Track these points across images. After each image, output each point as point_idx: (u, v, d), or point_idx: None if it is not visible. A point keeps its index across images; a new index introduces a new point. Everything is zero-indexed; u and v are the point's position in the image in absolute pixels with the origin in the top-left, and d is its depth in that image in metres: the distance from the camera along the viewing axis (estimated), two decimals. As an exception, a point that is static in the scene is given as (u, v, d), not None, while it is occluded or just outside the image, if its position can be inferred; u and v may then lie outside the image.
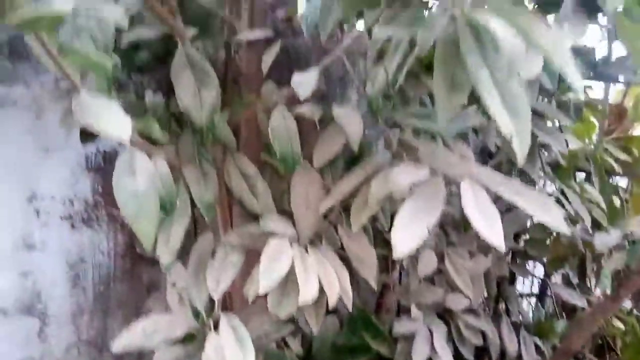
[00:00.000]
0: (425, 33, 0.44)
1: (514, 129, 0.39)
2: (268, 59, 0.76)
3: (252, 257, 0.66)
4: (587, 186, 1.09)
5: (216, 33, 0.88)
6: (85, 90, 0.42)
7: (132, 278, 0.97)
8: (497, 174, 0.60)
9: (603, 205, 1.06)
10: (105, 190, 0.91)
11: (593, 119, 1.48)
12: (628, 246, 0.96)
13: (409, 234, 0.53)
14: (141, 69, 0.73)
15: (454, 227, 1.09)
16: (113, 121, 0.39)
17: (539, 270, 1.45)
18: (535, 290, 1.54)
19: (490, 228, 0.52)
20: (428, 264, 0.96)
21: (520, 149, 0.40)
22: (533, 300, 1.57)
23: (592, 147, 1.40)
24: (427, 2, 0.42)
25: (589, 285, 1.40)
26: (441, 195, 0.58)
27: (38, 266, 0.88)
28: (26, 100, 0.83)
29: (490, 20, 0.33)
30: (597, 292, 1.40)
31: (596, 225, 1.17)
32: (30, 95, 0.83)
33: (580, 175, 1.33)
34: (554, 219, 0.55)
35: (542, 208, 0.55)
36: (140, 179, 0.49)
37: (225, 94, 0.90)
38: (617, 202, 1.33)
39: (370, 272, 0.69)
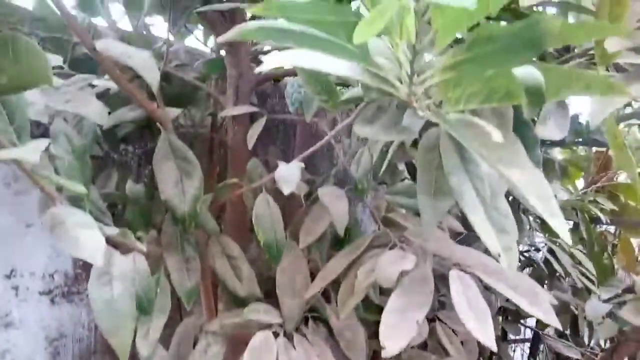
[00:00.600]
0: (405, 136, 0.43)
1: (500, 247, 0.38)
2: (253, 133, 0.76)
3: (236, 345, 0.64)
4: (575, 252, 1.09)
5: (201, 107, 0.89)
6: (60, 204, 0.41)
7: (113, 351, 0.93)
8: (488, 259, 0.60)
9: (592, 269, 1.05)
10: (86, 262, 0.89)
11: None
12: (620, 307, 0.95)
13: (398, 332, 0.51)
14: (124, 139, 0.72)
15: (444, 285, 1.07)
16: (86, 243, 0.37)
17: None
18: (528, 335, 1.52)
19: (480, 325, 0.51)
20: (420, 332, 0.93)
21: (509, 265, 0.38)
22: (526, 346, 1.55)
23: (578, 197, 1.41)
24: (405, 108, 0.42)
25: (582, 336, 1.38)
26: (430, 287, 0.57)
27: (16, 344, 0.84)
28: (6, 177, 0.81)
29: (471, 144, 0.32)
30: (591, 343, 1.39)
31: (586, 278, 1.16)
32: (10, 172, 0.82)
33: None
34: (545, 312, 0.54)
35: (534, 302, 0.54)
36: (116, 284, 0.47)
37: (211, 170, 0.90)
38: (605, 256, 1.33)
39: (359, 355, 0.67)
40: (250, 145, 0.75)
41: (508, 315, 1.28)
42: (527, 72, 0.28)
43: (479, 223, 0.38)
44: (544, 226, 1.26)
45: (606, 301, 0.92)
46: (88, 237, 0.38)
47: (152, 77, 0.48)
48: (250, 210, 0.64)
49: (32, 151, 0.31)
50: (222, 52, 0.87)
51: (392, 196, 0.70)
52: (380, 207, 0.74)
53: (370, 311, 0.74)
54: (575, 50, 0.55)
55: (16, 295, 0.83)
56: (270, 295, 0.70)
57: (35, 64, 0.30)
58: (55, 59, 0.69)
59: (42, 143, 0.34)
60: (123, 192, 0.67)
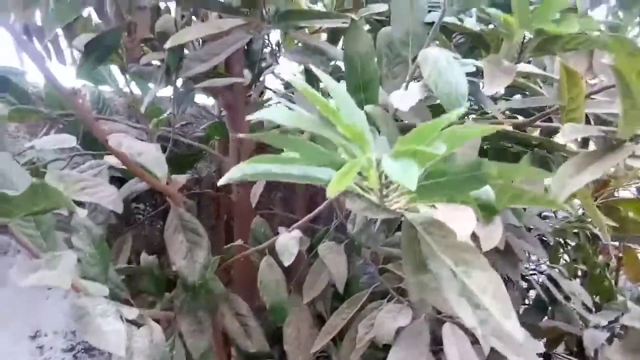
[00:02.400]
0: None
1: (476, 321, 0.42)
2: (256, 191, 0.81)
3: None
4: (572, 284, 1.12)
5: (206, 168, 0.94)
6: (84, 296, 0.46)
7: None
8: None
9: (589, 302, 1.08)
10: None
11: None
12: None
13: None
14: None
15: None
16: (110, 337, 0.43)
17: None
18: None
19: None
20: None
21: (484, 337, 0.43)
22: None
23: (577, 217, 1.43)
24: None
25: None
26: (425, 341, 0.61)
27: (42, 400, 0.89)
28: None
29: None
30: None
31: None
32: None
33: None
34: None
35: (520, 352, 0.58)
36: (136, 357, 0.52)
37: (218, 229, 0.95)
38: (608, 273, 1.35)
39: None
40: (253, 203, 0.80)
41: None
42: (481, 191, 0.33)
43: (455, 301, 0.42)
44: (547, 250, 1.29)
45: (605, 327, 0.96)
46: (111, 329, 0.43)
47: (162, 173, 0.53)
48: (257, 269, 0.69)
49: (63, 277, 0.37)
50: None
51: (389, 248, 0.75)
52: (377, 258, 0.79)
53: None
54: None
55: (41, 354, 0.88)
56: (280, 345, 0.74)
57: (59, 200, 0.35)
58: (69, 139, 0.75)
59: (70, 259, 0.40)
60: (137, 258, 0.72)
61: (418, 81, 0.53)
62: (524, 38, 0.54)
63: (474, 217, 0.40)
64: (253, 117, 0.28)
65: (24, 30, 0.69)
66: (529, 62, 0.63)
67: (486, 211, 0.33)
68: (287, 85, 0.98)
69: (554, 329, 1.28)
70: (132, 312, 0.49)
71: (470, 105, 0.71)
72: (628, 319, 0.74)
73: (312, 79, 0.79)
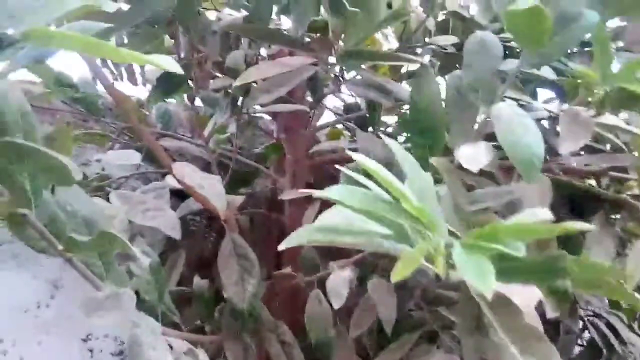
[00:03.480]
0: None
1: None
2: (310, 214, 0.81)
3: None
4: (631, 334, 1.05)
5: (260, 187, 0.95)
6: (139, 327, 0.47)
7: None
8: None
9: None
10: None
11: None
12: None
13: None
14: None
15: None
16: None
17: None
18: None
19: None
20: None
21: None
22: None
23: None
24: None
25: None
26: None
27: (90, 400, 0.93)
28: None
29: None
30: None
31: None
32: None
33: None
34: None
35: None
36: (185, 387, 0.53)
37: (268, 252, 0.95)
38: None
39: None
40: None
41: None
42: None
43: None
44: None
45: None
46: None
47: (222, 207, 0.54)
48: (303, 294, 0.69)
49: (123, 319, 0.38)
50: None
51: (442, 290, 0.73)
52: (429, 298, 0.77)
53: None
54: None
55: (91, 356, 0.92)
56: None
57: (123, 246, 0.36)
58: (134, 156, 0.77)
59: (129, 299, 0.41)
60: (189, 271, 0.74)
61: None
62: (605, 91, 0.51)
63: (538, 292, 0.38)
64: (319, 194, 0.28)
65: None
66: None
67: (559, 297, 0.31)
68: (348, 108, 0.98)
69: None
70: (182, 346, 0.50)
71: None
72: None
73: (374, 109, 0.79)
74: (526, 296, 0.36)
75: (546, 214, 0.26)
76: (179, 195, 0.83)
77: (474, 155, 0.42)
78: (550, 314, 0.47)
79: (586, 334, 1.32)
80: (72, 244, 0.36)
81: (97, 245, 0.36)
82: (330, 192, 0.28)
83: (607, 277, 0.28)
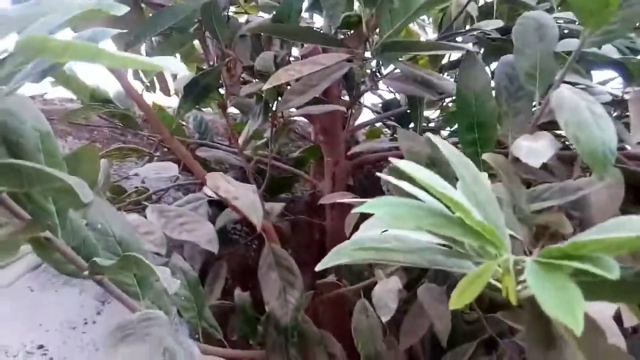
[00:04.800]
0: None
1: None
2: (350, 221, 0.77)
3: None
4: None
5: (300, 192, 0.92)
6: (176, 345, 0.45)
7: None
8: None
9: None
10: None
11: None
12: None
13: None
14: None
15: None
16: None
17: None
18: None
19: None
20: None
21: None
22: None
23: None
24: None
25: None
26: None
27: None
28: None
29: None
30: None
31: None
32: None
33: None
34: None
35: None
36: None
37: (310, 259, 0.92)
38: None
39: None
40: (347, 232, 0.76)
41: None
42: None
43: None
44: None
45: None
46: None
47: (257, 218, 0.51)
48: (349, 304, 0.65)
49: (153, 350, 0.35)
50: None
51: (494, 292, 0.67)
52: (484, 303, 0.71)
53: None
54: None
55: None
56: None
57: (147, 270, 0.34)
58: (172, 168, 0.76)
59: (161, 324, 0.38)
60: (232, 281, 0.71)
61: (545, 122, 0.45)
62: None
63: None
64: (360, 209, 0.24)
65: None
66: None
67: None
68: (386, 105, 0.93)
69: None
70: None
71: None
72: None
73: (415, 104, 0.74)
74: (603, 310, 0.31)
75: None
76: (219, 205, 0.81)
77: (535, 149, 0.38)
78: (628, 323, 0.41)
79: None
80: (97, 268, 0.34)
81: (122, 268, 0.34)
82: (373, 207, 0.24)
83: None
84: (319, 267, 0.28)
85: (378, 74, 0.81)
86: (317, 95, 0.78)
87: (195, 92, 0.56)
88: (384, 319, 0.51)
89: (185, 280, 0.52)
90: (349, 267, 0.73)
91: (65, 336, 0.83)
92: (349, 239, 0.85)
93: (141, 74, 0.75)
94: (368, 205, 0.24)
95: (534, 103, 0.48)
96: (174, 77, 0.76)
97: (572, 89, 0.40)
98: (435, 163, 0.55)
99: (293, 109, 0.74)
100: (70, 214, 0.41)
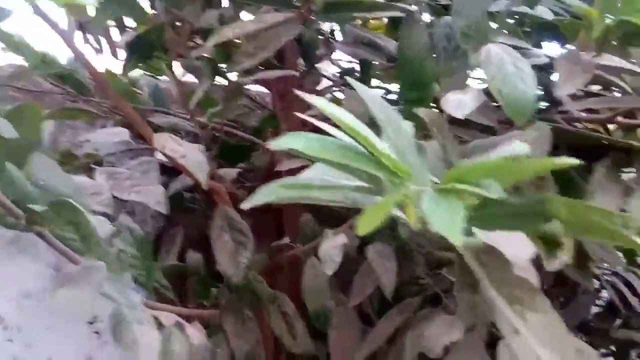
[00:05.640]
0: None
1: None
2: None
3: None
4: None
5: (258, 161, 0.93)
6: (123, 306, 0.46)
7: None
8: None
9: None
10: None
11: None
12: None
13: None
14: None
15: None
16: (142, 344, 0.42)
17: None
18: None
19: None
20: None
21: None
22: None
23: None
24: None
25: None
26: (480, 356, 0.56)
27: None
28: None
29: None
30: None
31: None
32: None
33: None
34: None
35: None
36: (178, 361, 0.51)
37: (267, 227, 0.94)
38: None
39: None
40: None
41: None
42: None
43: (511, 338, 0.38)
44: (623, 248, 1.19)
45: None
46: (145, 339, 0.43)
47: (203, 178, 0.52)
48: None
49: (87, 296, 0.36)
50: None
51: (444, 251, 0.70)
52: (432, 261, 0.74)
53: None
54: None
55: (98, 338, 0.92)
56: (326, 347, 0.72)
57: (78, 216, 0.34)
58: (122, 133, 0.75)
59: (97, 273, 0.39)
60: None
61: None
62: (606, 29, 0.47)
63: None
64: (271, 146, 0.25)
65: (79, 25, 0.70)
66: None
67: (549, 246, 0.29)
68: (344, 73, 0.94)
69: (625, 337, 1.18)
70: (169, 318, 0.48)
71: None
72: None
73: (365, 70, 0.75)
74: (518, 247, 0.33)
75: (524, 147, 0.23)
76: (173, 171, 0.81)
77: (460, 101, 0.39)
78: (550, 267, 0.44)
79: (606, 294, 1.29)
80: (33, 215, 0.35)
81: (56, 213, 0.34)
82: (291, 141, 0.25)
83: (601, 220, 0.25)
84: (244, 206, 0.30)
85: (333, 41, 0.81)
86: (274, 62, 0.79)
87: (139, 51, 0.56)
88: (329, 272, 0.53)
89: (132, 239, 0.53)
90: (304, 230, 0.75)
91: (21, 306, 0.83)
92: (304, 207, 0.86)
93: (90, 38, 0.74)
94: (286, 139, 0.25)
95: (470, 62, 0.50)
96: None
97: (500, 46, 0.42)
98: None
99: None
100: (14, 171, 0.41)
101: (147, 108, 0.85)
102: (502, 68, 0.38)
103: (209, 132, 0.84)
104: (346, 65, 1.00)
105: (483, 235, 0.33)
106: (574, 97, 0.54)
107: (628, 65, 0.50)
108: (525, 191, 0.49)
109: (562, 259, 0.45)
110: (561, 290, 1.10)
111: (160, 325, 0.50)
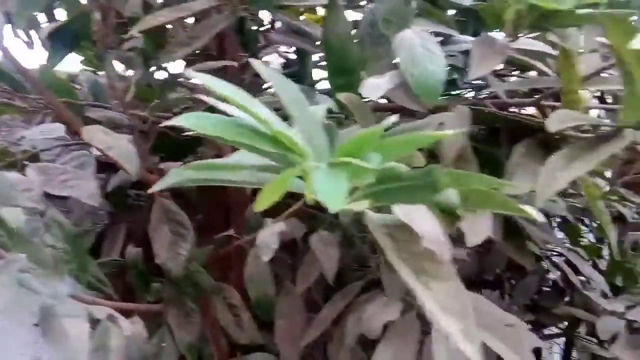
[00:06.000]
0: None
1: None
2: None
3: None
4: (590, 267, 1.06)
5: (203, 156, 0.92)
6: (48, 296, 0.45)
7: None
8: (489, 305, 0.59)
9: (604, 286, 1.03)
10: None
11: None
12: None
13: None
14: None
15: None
16: (72, 337, 0.41)
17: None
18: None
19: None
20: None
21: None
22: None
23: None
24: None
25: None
26: (415, 336, 0.58)
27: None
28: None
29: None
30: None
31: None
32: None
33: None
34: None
35: (514, 346, 0.55)
36: (112, 356, 0.51)
37: (214, 218, 0.93)
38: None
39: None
40: (249, 191, 0.78)
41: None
42: (443, 195, 0.30)
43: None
44: (566, 228, 1.24)
45: (621, 315, 0.90)
46: (74, 332, 0.42)
47: (131, 168, 0.51)
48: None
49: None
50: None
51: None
52: (374, 247, 0.76)
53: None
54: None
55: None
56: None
57: None
58: (58, 128, 0.74)
59: (14, 265, 0.38)
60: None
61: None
62: (519, 13, 0.49)
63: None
64: (167, 123, 0.26)
65: (7, 18, 0.68)
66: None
67: (448, 217, 0.30)
68: (286, 65, 0.94)
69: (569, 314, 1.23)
70: (101, 311, 0.48)
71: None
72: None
73: (305, 61, 0.76)
74: (428, 223, 0.34)
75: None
76: (113, 167, 0.80)
77: (376, 85, 0.40)
78: (470, 242, 0.46)
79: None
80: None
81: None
82: (183, 120, 0.26)
83: (485, 189, 0.26)
84: (151, 190, 0.30)
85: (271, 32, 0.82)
86: (213, 54, 0.79)
87: (63, 40, 0.55)
88: (265, 259, 0.53)
89: (62, 234, 0.52)
90: (249, 221, 0.75)
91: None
92: (252, 194, 0.86)
93: (20, 33, 0.72)
94: (180, 118, 0.26)
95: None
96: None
97: (414, 31, 0.43)
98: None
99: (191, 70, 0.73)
100: None
101: (85, 103, 0.83)
102: (411, 51, 0.39)
103: (150, 125, 0.83)
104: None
105: (399, 212, 0.35)
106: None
107: (545, 49, 0.53)
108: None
109: (481, 234, 0.47)
110: (512, 273, 1.14)
111: (95, 320, 0.50)
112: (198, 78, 0.26)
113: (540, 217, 0.28)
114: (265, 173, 0.30)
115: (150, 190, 0.30)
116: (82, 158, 0.64)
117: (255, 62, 0.30)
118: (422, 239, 0.34)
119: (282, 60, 1.02)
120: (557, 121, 0.40)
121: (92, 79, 0.90)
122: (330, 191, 0.22)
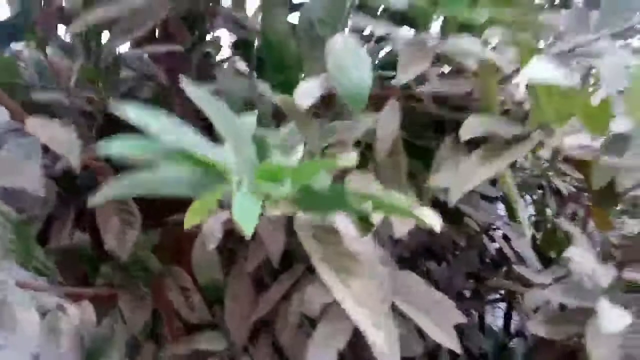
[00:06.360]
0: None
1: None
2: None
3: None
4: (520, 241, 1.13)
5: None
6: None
7: None
8: (418, 282, 0.63)
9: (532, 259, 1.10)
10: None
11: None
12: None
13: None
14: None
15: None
16: (22, 325, 0.44)
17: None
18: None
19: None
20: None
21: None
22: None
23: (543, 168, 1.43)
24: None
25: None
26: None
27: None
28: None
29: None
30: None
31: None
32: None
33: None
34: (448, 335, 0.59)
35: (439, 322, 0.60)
36: (64, 339, 0.53)
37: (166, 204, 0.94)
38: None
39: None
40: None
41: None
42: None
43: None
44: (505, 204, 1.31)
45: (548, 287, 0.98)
46: (25, 320, 0.44)
47: (73, 160, 0.52)
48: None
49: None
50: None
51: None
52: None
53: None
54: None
55: None
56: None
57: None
58: (3, 113, 0.73)
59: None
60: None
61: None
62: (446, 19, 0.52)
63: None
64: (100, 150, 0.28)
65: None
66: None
67: (364, 223, 0.34)
68: (235, 46, 0.95)
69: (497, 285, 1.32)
70: (50, 300, 0.50)
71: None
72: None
73: (249, 49, 0.77)
74: (349, 224, 0.38)
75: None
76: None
77: (308, 90, 0.43)
78: (398, 234, 0.50)
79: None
80: None
81: None
82: (108, 147, 0.28)
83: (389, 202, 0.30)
84: (93, 202, 0.32)
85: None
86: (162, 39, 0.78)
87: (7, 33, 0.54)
88: (210, 248, 0.56)
89: (7, 223, 0.53)
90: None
91: None
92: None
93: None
94: (108, 144, 0.28)
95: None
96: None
97: (342, 36, 0.45)
98: (254, 103, 0.60)
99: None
100: None
101: (31, 84, 0.82)
102: (338, 58, 0.42)
103: (95, 107, 0.82)
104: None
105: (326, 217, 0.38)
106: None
107: (474, 49, 0.56)
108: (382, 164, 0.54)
109: (407, 225, 0.51)
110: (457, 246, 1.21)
111: (42, 307, 0.52)
112: (125, 112, 0.28)
113: (437, 225, 0.32)
114: (195, 186, 0.32)
115: (90, 204, 0.32)
116: (27, 146, 0.64)
117: (185, 83, 0.32)
118: (346, 238, 0.37)
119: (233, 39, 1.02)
120: (468, 129, 0.44)
121: (36, 57, 0.88)
122: (245, 217, 0.25)
